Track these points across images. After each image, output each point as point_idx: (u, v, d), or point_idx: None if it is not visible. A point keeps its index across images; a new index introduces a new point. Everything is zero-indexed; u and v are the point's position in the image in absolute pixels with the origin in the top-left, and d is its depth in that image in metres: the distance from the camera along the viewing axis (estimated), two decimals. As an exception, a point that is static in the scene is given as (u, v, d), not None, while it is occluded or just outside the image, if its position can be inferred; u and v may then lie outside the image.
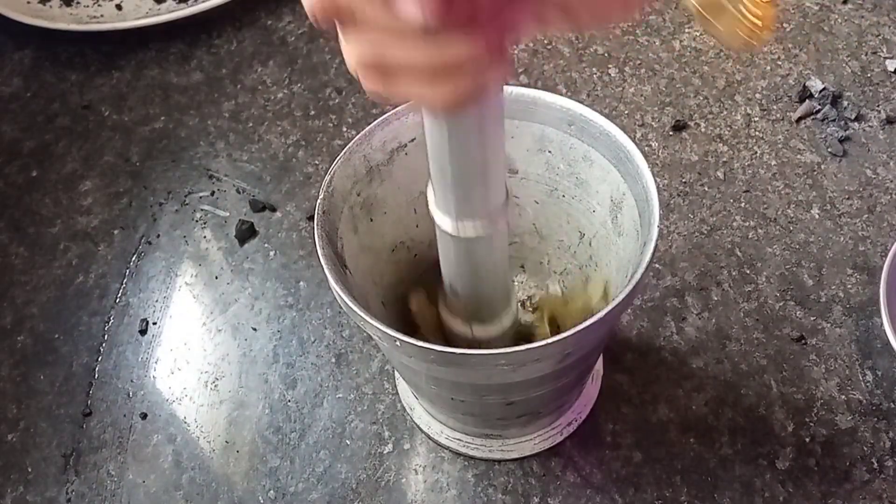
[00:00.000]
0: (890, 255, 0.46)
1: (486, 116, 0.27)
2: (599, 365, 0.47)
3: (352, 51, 0.23)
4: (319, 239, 0.34)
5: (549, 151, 0.38)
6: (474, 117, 0.26)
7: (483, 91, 0.25)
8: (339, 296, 0.32)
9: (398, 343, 0.30)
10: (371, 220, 0.39)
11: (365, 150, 0.37)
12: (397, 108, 0.37)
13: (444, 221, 0.32)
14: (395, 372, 0.48)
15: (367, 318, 0.30)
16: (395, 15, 0.20)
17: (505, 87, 0.28)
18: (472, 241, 0.32)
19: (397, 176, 0.39)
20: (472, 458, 0.45)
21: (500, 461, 0.45)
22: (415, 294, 0.43)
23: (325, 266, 0.33)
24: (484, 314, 0.38)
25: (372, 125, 0.37)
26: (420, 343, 0.30)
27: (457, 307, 0.38)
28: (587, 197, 0.39)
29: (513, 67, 0.25)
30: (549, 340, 0.29)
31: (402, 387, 0.48)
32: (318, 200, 0.35)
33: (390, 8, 0.20)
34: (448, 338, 0.41)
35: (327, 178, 0.35)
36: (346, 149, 0.36)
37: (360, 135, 0.37)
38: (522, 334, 0.44)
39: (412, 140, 0.38)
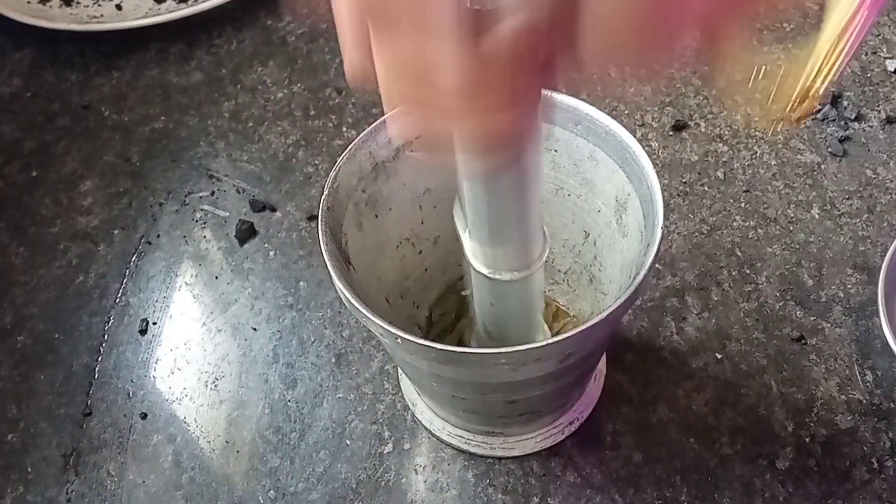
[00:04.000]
0: (888, 255, 0.46)
1: (524, 175, 0.27)
2: (602, 364, 0.47)
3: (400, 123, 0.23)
4: (323, 235, 0.33)
5: (555, 150, 0.38)
6: (513, 177, 0.26)
7: (517, 156, 0.24)
8: (343, 292, 0.32)
9: (399, 340, 0.30)
10: (376, 216, 0.38)
11: (371, 147, 0.37)
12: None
13: (480, 267, 0.32)
14: (398, 370, 0.49)
15: (370, 315, 0.30)
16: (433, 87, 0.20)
17: (540, 146, 0.28)
18: (507, 283, 0.32)
19: (403, 173, 0.38)
20: (473, 455, 0.45)
21: (501, 459, 0.45)
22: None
23: (328, 262, 0.33)
24: None
25: (378, 121, 0.37)
26: (420, 341, 0.30)
27: (488, 346, 0.38)
28: (592, 197, 0.39)
29: (543, 131, 0.25)
30: (551, 340, 0.29)
31: (405, 383, 0.48)
32: (323, 196, 0.35)
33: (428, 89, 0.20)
34: None
35: (332, 173, 0.35)
36: (351, 145, 0.36)
37: (366, 131, 0.36)
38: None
39: (419, 137, 0.38)
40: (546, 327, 0.42)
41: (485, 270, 0.32)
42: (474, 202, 0.28)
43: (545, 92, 0.22)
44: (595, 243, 0.41)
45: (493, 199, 0.28)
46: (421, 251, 0.43)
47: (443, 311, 0.47)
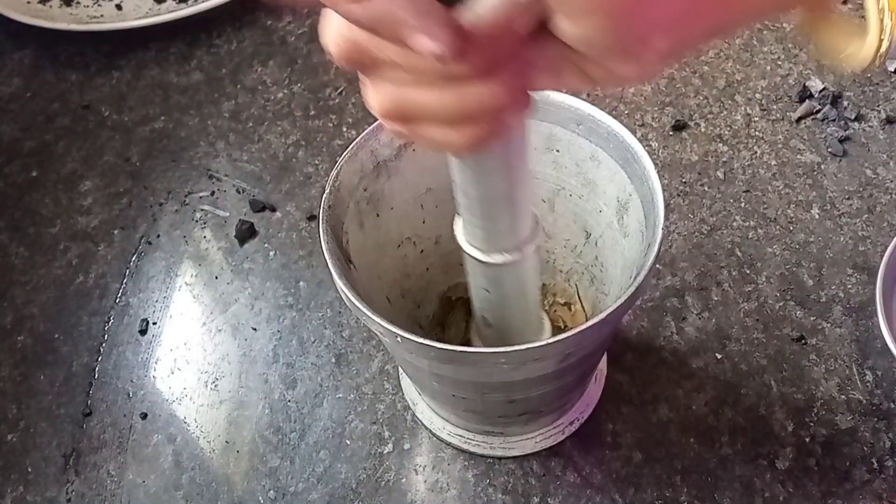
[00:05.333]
0: (886, 255, 0.46)
1: (510, 153, 0.27)
2: (602, 364, 0.47)
3: (375, 96, 0.23)
4: (324, 233, 0.33)
5: (557, 150, 0.39)
6: (499, 155, 0.27)
7: (505, 132, 0.24)
8: (343, 291, 0.32)
9: (399, 339, 0.30)
10: (377, 215, 0.39)
11: (372, 146, 0.37)
12: None
13: (472, 251, 0.32)
14: (399, 370, 0.49)
15: (370, 314, 0.30)
16: (414, 52, 0.20)
17: (527, 123, 0.28)
18: (500, 267, 0.32)
19: (405, 172, 0.39)
20: (473, 454, 0.45)
21: (501, 458, 0.45)
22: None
23: (329, 261, 0.33)
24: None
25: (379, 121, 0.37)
26: (420, 340, 0.30)
27: (489, 339, 0.38)
28: (594, 197, 0.39)
29: (533, 109, 0.25)
30: (550, 340, 0.29)
31: (406, 383, 0.48)
32: (324, 195, 0.35)
33: (409, 48, 0.20)
34: None
35: (334, 172, 0.35)
36: (353, 143, 0.36)
37: (367, 130, 0.36)
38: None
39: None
40: (545, 316, 0.42)
41: (477, 255, 0.32)
42: (463, 181, 0.28)
43: (531, 74, 0.22)
44: (596, 244, 0.41)
45: (480, 178, 0.28)
46: (423, 250, 0.43)
47: (445, 311, 0.47)
